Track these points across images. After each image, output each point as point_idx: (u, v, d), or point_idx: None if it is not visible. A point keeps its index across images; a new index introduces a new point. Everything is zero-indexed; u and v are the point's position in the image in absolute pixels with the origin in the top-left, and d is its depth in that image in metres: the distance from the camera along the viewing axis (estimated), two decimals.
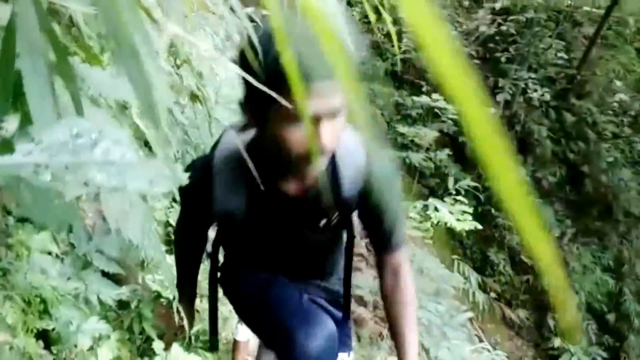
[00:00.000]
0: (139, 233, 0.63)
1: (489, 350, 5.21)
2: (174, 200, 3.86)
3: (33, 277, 0.78)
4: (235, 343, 2.06)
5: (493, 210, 9.72)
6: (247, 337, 2.02)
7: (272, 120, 0.94)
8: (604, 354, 9.35)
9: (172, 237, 3.68)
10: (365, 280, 7.89)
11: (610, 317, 9.75)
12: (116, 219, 0.65)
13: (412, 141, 9.18)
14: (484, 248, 9.96)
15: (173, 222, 3.65)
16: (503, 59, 9.84)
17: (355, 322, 7.62)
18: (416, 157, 8.98)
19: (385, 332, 7.00)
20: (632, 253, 9.63)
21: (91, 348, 1.02)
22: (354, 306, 7.90)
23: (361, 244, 9.41)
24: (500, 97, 9.49)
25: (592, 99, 10.04)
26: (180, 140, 2.87)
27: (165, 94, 1.44)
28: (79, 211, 0.81)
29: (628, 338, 9.58)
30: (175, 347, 1.10)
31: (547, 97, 9.42)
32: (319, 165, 0.98)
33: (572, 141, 9.86)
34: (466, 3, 11.30)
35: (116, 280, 1.22)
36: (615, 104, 9.97)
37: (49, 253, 0.91)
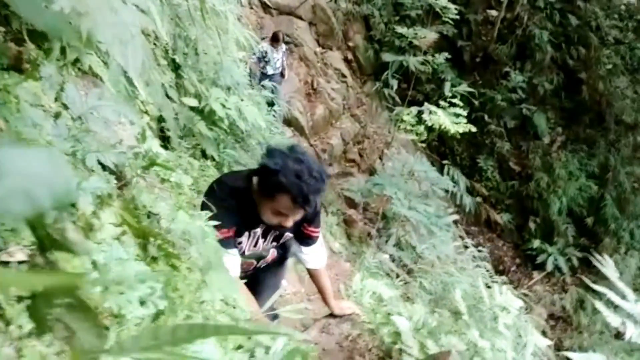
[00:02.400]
0: (139, 67, 0.59)
1: (468, 247, 5.48)
2: (167, 95, 3.75)
3: (25, 130, 0.75)
4: None
5: (486, 117, 9.70)
6: None
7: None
8: (579, 254, 9.94)
9: (168, 135, 3.64)
10: (357, 183, 8.07)
11: (589, 220, 10.20)
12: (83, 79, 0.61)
13: (410, 43, 8.83)
14: (474, 154, 10.10)
15: (166, 117, 3.57)
16: None
17: (345, 223, 7.94)
18: (414, 61, 8.72)
19: (374, 232, 7.33)
20: (617, 160, 9.83)
21: (94, 213, 1.02)
22: (344, 208, 8.13)
23: (354, 150, 9.46)
24: None
25: (599, 2, 9.58)
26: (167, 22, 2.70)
27: None
28: (69, 24, 0.76)
29: (603, 240, 10.12)
30: (182, 213, 1.12)
31: None
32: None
33: (573, 46, 9.57)
34: None
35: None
36: (622, 7, 9.55)
37: (41, 107, 0.87)
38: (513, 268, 10.65)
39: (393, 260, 5.44)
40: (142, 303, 0.75)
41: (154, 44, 3.38)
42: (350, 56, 10.27)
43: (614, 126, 9.89)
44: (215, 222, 1.42)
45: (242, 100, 4.32)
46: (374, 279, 4.26)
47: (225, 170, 4.15)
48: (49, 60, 0.96)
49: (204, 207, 1.61)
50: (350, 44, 10.21)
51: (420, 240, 5.58)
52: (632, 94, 9.71)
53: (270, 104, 6.04)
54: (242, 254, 1.89)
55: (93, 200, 0.98)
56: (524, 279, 10.41)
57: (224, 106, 3.63)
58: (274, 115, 5.89)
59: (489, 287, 2.28)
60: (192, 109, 3.66)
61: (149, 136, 2.96)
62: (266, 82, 6.27)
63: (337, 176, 8.64)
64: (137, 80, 1.15)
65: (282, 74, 7.57)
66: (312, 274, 2.22)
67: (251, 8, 9.67)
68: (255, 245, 1.93)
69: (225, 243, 1.63)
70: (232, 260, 1.66)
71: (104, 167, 1.32)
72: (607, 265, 1.32)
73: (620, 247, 9.97)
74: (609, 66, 9.47)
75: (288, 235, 1.97)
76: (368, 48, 10.17)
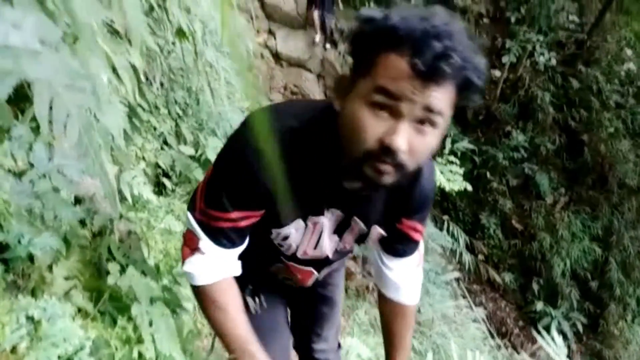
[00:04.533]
0: (75, 145, 0.63)
1: (469, 307, 5.36)
2: (165, 143, 3.85)
3: None
4: None
5: (488, 174, 9.74)
6: None
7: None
8: (584, 320, 9.64)
9: (164, 182, 3.70)
10: None
11: (594, 284, 9.97)
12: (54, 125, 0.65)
13: None
14: (476, 211, 10.05)
15: (162, 163, 3.64)
16: (513, 19, 9.55)
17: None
18: None
19: (372, 285, 7.19)
20: (621, 224, 9.73)
21: (49, 267, 1.04)
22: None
23: None
24: (505, 59, 9.29)
25: (600, 67, 9.82)
26: (166, 74, 2.81)
27: (139, 20, 1.39)
28: (9, 112, 0.80)
29: (609, 306, 9.84)
30: (131, 269, 1.13)
31: (554, 62, 9.22)
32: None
33: (575, 109, 9.73)
34: None
35: (81, 204, 1.24)
36: (622, 73, 9.77)
37: (3, 168, 0.91)
38: (516, 330, 10.32)
39: None
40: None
41: (155, 94, 3.51)
42: None
43: (617, 189, 9.87)
44: (218, 198, 0.91)
45: None
46: (364, 336, 4.16)
47: None
48: (22, 121, 1.01)
49: (217, 174, 0.95)
50: None
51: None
52: (634, 158, 9.75)
53: None
54: (292, 258, 1.12)
55: (50, 254, 1.00)
56: (527, 343, 10.07)
57: None
58: None
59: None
60: (189, 156, 3.75)
61: (140, 183, 3.00)
62: None
63: None
64: (120, 137, 1.20)
65: None
66: (389, 311, 1.25)
67: (262, 58, 10.04)
68: (316, 245, 1.08)
69: (225, 234, 0.96)
70: (225, 259, 0.99)
71: (82, 221, 1.35)
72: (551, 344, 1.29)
73: (627, 314, 9.68)
74: (611, 129, 9.58)
75: (377, 232, 1.08)
76: None
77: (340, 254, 1.17)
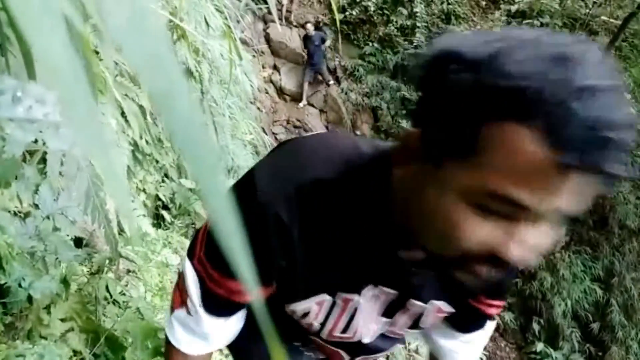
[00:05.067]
0: (83, 197, 0.67)
1: None
2: (166, 175, 3.90)
3: None
4: None
5: None
6: None
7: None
8: None
9: (163, 214, 3.73)
10: None
11: (595, 326, 9.81)
12: (62, 181, 0.69)
13: None
14: None
15: (162, 196, 3.69)
16: None
17: None
18: None
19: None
20: (623, 266, 9.66)
21: (47, 307, 1.07)
22: None
23: None
24: None
25: None
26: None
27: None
28: (19, 168, 0.85)
29: (610, 348, 9.66)
30: (129, 312, 1.15)
31: None
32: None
33: None
34: (483, 3, 11.18)
35: (82, 245, 1.27)
36: None
37: (9, 211, 0.95)
38: None
39: None
40: None
41: (159, 127, 3.59)
42: None
43: (618, 230, 9.85)
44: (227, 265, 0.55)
45: None
46: None
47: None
48: (30, 163, 1.07)
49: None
50: (358, 132, 10.61)
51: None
52: (635, 200, 9.78)
53: None
54: (316, 336, 0.86)
55: (48, 296, 1.03)
56: None
57: None
58: None
59: None
60: (190, 189, 3.80)
61: (140, 215, 3.04)
62: None
63: None
64: (123, 176, 1.24)
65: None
66: None
67: (267, 93, 10.25)
68: (347, 327, 0.82)
69: (218, 302, 0.77)
70: (215, 329, 0.80)
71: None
72: None
73: (629, 357, 9.49)
74: None
75: (442, 311, 0.83)
76: (375, 137, 10.55)
77: (387, 339, 0.91)
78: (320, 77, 10.15)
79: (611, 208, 9.72)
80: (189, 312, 0.79)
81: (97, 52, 1.26)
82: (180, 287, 0.82)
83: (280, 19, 9.81)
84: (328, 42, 9.90)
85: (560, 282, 9.79)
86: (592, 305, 9.98)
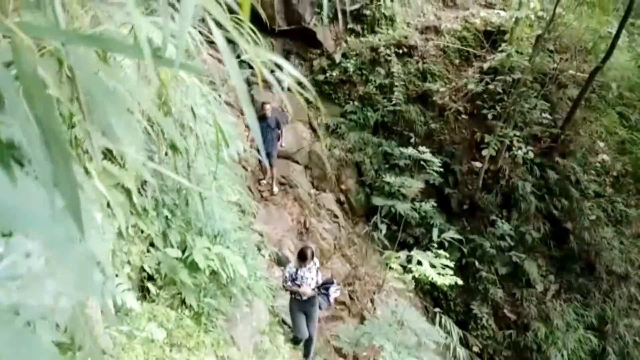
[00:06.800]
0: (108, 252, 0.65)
1: None
2: (152, 244, 3.84)
3: None
4: None
5: (477, 263, 9.74)
6: None
7: None
8: None
9: (148, 286, 3.64)
10: (345, 329, 7.76)
11: None
12: None
13: (398, 190, 9.30)
14: (467, 300, 9.90)
15: (147, 267, 3.62)
16: (489, 116, 10.14)
17: None
18: (402, 207, 9.08)
19: None
20: (614, 312, 9.61)
21: None
22: (333, 358, 7.69)
23: (344, 292, 9.31)
24: (485, 152, 9.71)
25: (576, 158, 10.28)
26: (157, 181, 2.89)
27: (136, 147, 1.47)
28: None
29: None
30: None
31: (531, 154, 9.65)
32: None
33: (556, 198, 10.01)
34: (457, 61, 11.73)
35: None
36: (597, 164, 10.21)
37: None
38: None
39: None
40: None
41: (149, 197, 3.58)
42: (342, 198, 10.69)
43: (606, 276, 9.87)
44: None
45: (227, 247, 4.41)
46: None
47: (204, 319, 4.07)
48: None
49: None
50: (343, 187, 10.70)
51: None
52: (619, 245, 9.87)
53: None
54: None
55: None
56: None
57: (206, 257, 3.71)
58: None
59: None
60: (175, 258, 3.74)
61: (125, 290, 2.95)
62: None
63: (327, 320, 8.36)
64: (107, 263, 1.23)
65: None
66: None
67: (252, 152, 10.36)
68: None
69: None
70: None
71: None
72: None
73: None
74: (592, 217, 9.79)
75: None
76: (359, 191, 10.64)
77: None
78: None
79: (597, 254, 9.79)
80: None
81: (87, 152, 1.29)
82: None
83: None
84: (287, 127, 9.39)
85: (554, 332, 9.65)
86: (589, 354, 9.79)
